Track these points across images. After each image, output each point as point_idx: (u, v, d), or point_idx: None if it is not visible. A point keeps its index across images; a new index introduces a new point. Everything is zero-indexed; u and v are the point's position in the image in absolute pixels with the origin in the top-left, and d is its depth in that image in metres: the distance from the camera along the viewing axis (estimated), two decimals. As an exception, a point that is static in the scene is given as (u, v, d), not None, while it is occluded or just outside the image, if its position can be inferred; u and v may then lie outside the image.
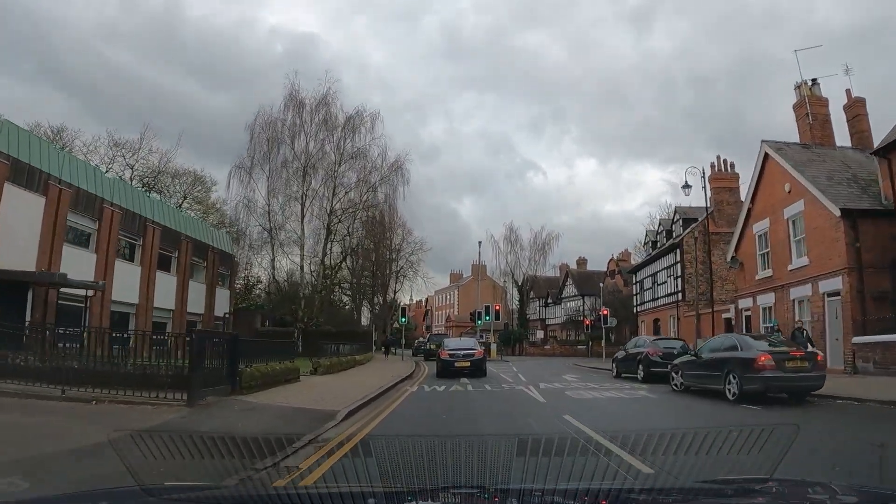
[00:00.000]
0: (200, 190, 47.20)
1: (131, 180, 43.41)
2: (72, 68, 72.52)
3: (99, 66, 72.99)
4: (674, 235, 32.71)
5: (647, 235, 39.70)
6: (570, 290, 66.83)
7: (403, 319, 35.76)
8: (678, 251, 30.70)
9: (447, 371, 20.08)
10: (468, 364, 20.20)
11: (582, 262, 72.13)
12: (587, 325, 49.11)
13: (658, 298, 33.79)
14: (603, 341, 35.48)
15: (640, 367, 18.59)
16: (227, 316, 34.01)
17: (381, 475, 2.57)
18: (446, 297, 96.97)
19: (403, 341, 39.47)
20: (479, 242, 40.93)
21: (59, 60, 71.30)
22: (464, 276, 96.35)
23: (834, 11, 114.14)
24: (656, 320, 34.32)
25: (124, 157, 43.35)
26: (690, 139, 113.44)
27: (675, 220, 32.59)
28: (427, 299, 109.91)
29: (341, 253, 34.57)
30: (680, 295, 30.30)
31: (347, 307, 56.54)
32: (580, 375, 21.57)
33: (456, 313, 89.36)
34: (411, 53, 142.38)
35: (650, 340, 20.81)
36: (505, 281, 59.34)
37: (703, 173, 25.91)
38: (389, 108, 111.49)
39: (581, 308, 63.99)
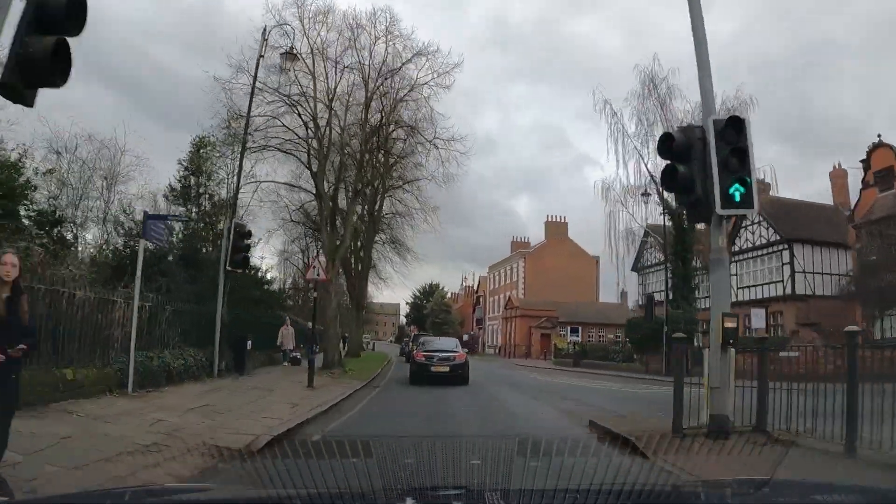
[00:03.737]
0: None
1: None
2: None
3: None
4: None
5: None
6: (756, 233, 33.45)
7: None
8: None
9: (421, 376, 17.20)
10: (446, 369, 17.28)
11: (763, 186, 37.82)
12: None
13: None
14: None
15: None
16: None
17: None
18: (506, 274, 64.27)
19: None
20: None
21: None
22: (531, 245, 63.62)
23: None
24: None
25: None
26: (752, 128, 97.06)
27: None
28: (479, 282, 77.43)
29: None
30: None
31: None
32: None
33: (521, 295, 56.68)
34: (459, 42, 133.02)
35: None
36: (642, 210, 26.40)
37: None
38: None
39: (788, 266, 31.00)
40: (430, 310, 66.77)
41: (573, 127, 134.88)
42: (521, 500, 2.07)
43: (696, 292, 26.92)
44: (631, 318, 26.41)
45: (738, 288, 34.54)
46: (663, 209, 25.37)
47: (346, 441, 3.17)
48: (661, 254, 41.78)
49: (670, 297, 24.52)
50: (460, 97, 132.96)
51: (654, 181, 25.70)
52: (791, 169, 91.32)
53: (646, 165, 25.93)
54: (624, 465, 4.00)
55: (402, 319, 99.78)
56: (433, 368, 17.25)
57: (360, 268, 27.90)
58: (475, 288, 76.58)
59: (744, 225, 33.88)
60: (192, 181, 20.32)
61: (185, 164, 20.28)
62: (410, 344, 31.30)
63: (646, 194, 25.00)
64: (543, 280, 55.50)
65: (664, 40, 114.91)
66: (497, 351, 60.64)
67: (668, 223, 26.81)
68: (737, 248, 34.08)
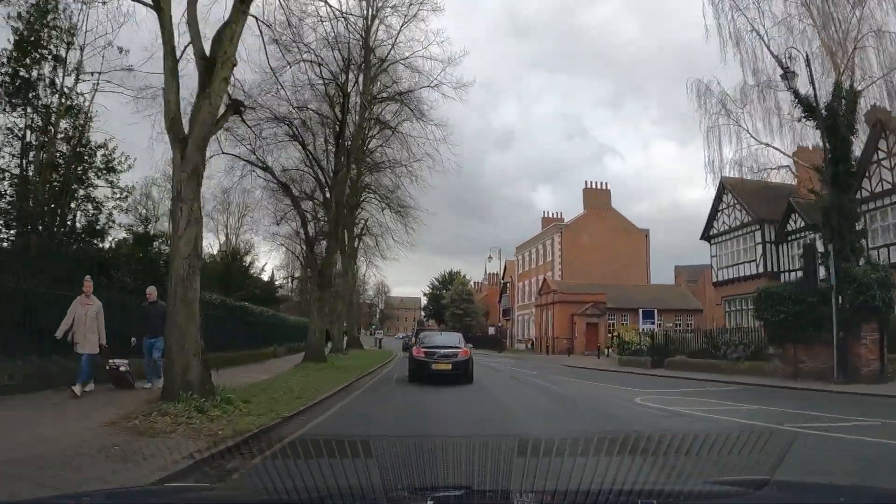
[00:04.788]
0: None
1: None
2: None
3: None
4: None
5: None
6: (903, 167, 24.06)
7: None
8: None
9: (421, 374, 16.09)
10: (448, 367, 16.21)
11: (883, 113, 28.33)
12: None
13: None
14: None
15: None
16: None
17: None
18: (538, 253, 55.14)
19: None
20: None
21: None
22: (565, 220, 54.32)
23: None
24: None
25: None
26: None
27: None
28: (505, 267, 68.24)
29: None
30: None
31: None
32: None
33: (558, 277, 47.46)
34: (475, 32, 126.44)
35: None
36: (761, 123, 17.17)
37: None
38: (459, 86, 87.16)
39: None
40: (449, 300, 57.86)
41: (592, 117, 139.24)
42: (521, 500, 2.08)
43: (867, 240, 17.42)
44: (766, 287, 17.04)
45: (870, 247, 25.16)
46: (803, 112, 16.05)
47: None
48: (743, 213, 32.46)
49: (845, 250, 14.80)
50: (478, 90, 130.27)
51: (784, 69, 16.33)
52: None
53: (768, 47, 16.61)
54: (624, 465, 2.90)
55: (422, 314, 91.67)
56: (434, 366, 16.25)
57: (329, 213, 19.01)
58: (501, 275, 67.50)
59: (876, 159, 24.58)
60: (41, 67, 12.09)
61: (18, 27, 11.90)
62: (413, 338, 29.52)
63: (788, 73, 15.60)
64: (584, 258, 46.37)
65: (682, 25, 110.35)
66: (530, 345, 51.45)
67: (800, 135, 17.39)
68: (868, 192, 24.76)
